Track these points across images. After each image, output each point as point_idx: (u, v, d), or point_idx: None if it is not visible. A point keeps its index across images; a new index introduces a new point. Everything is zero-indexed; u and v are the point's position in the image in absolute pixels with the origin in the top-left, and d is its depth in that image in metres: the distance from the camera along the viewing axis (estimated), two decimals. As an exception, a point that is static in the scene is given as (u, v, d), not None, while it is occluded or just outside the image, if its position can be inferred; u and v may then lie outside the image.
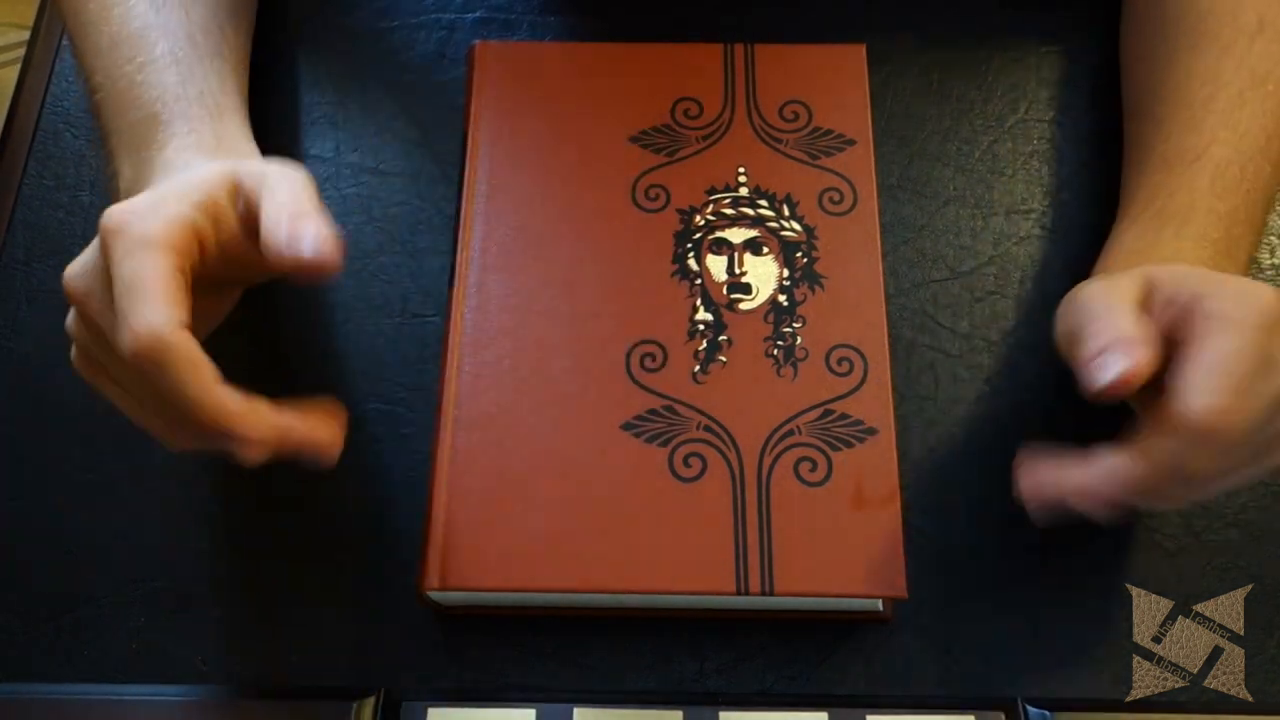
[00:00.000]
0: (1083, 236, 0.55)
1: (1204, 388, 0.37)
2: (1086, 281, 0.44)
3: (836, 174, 0.52)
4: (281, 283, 0.53)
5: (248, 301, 0.52)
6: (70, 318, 0.40)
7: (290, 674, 0.45)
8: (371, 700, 0.44)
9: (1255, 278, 0.54)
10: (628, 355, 0.47)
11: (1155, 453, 0.38)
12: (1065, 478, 0.40)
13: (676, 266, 0.49)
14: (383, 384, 0.51)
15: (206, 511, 0.48)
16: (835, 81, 0.54)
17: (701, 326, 0.48)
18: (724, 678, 0.45)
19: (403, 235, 0.54)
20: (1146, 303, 0.41)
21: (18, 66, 0.59)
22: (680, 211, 0.51)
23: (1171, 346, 0.39)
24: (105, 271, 0.37)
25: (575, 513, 0.44)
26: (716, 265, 0.49)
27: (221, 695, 0.44)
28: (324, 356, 0.51)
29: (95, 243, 0.38)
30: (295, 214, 0.38)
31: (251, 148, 0.46)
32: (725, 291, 0.49)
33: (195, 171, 0.41)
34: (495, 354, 0.47)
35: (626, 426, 0.46)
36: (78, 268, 0.38)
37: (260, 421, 0.37)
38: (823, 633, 0.46)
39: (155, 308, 0.36)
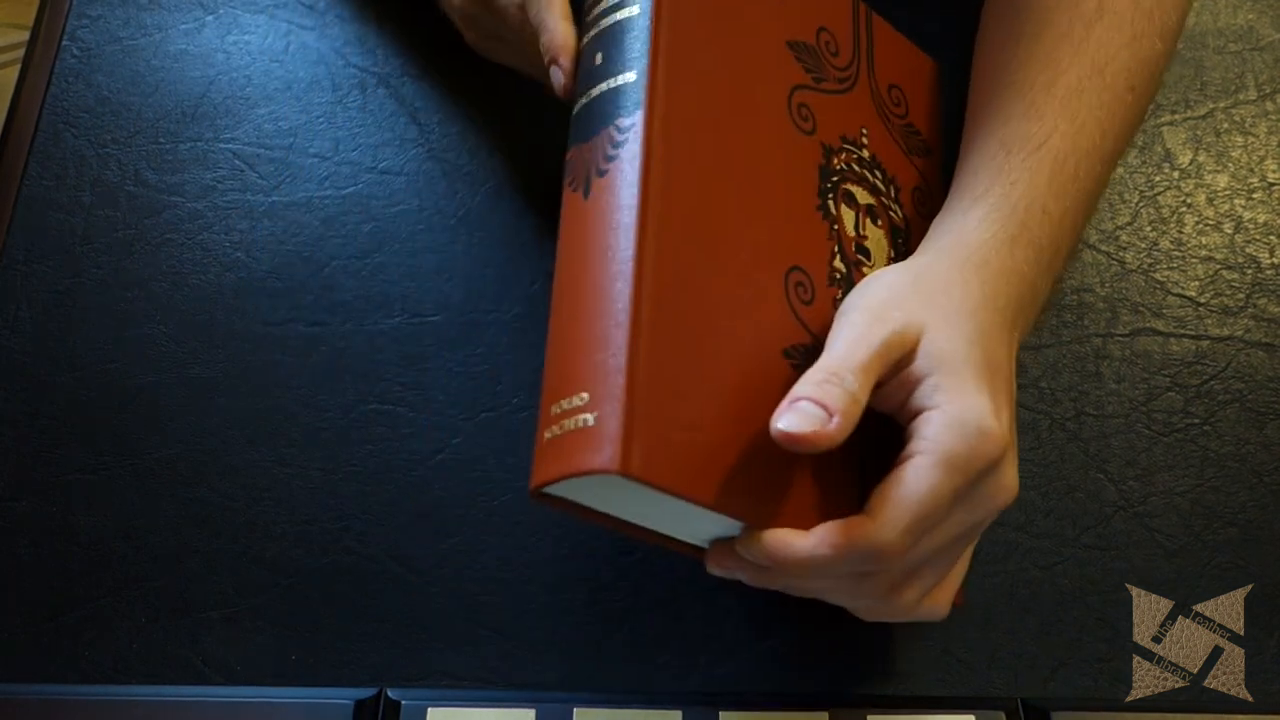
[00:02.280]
0: (1084, 235, 0.55)
1: (885, 514, 0.37)
2: (881, 284, 0.42)
3: (922, 176, 0.50)
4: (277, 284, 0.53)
5: (245, 303, 0.52)
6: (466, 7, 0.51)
7: (290, 674, 0.45)
8: (371, 700, 0.44)
9: (1255, 278, 0.54)
10: (786, 277, 0.42)
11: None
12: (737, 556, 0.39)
13: (820, 202, 0.45)
14: (383, 384, 0.51)
15: (206, 511, 0.48)
16: (923, 85, 0.53)
17: (838, 275, 0.44)
18: (724, 678, 0.45)
19: (402, 235, 0.54)
20: (899, 360, 0.39)
21: (18, 66, 0.59)
22: (824, 146, 0.46)
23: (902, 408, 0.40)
24: None
25: (746, 435, 0.39)
26: (848, 218, 0.46)
27: (221, 695, 0.44)
28: (324, 356, 0.51)
29: None
30: None
31: None
32: (854, 249, 0.45)
33: None
34: (694, 206, 0.40)
35: (787, 355, 0.41)
36: None
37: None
38: (823, 633, 0.46)
39: None
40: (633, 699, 0.44)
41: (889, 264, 0.46)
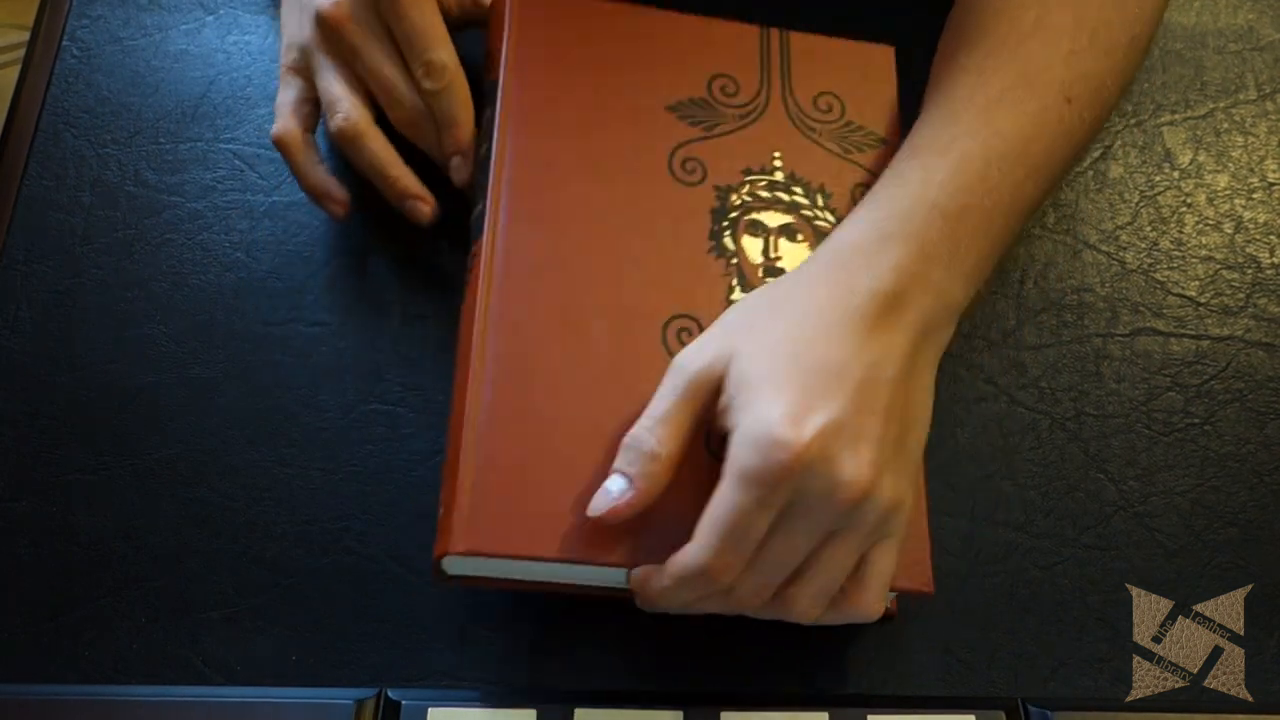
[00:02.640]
0: (1084, 235, 0.55)
1: (697, 537, 0.39)
2: (728, 314, 0.43)
3: (868, 170, 0.51)
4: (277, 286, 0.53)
5: (245, 303, 0.52)
6: (310, 34, 0.50)
7: (290, 674, 0.45)
8: (371, 700, 0.44)
9: (1255, 278, 0.54)
10: (664, 328, 0.46)
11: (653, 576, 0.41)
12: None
13: (713, 244, 0.48)
14: (382, 384, 0.51)
15: (206, 511, 0.48)
16: (866, 79, 0.53)
17: None
18: (724, 678, 0.45)
19: (402, 235, 0.54)
20: (711, 393, 0.41)
21: (18, 67, 0.59)
22: (718, 188, 0.49)
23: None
24: (378, 14, 0.48)
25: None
26: (753, 247, 0.48)
27: (221, 695, 0.44)
28: (324, 356, 0.51)
29: None
30: None
31: None
32: (761, 274, 0.48)
33: None
34: (529, 311, 0.45)
35: None
36: (346, 7, 0.48)
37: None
38: (823, 633, 0.45)
39: (444, 51, 0.49)
40: (633, 699, 0.44)
41: None
